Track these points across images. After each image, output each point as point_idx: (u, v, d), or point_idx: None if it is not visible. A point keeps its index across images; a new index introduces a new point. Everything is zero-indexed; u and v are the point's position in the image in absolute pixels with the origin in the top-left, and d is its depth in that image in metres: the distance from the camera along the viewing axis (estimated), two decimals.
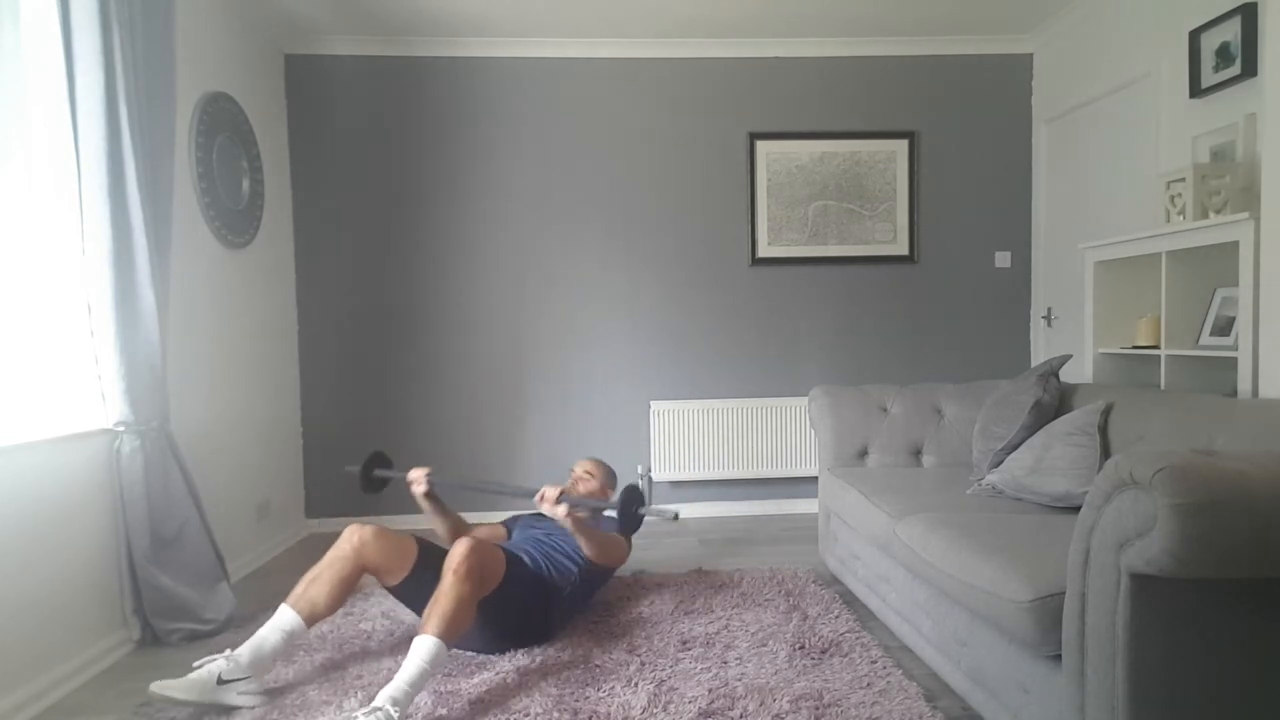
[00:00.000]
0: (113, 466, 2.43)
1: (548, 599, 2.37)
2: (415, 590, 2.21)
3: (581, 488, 2.74)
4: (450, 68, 3.98)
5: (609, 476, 2.86)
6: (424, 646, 1.88)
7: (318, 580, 2.12)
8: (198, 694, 1.93)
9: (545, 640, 2.37)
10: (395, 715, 1.75)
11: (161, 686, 1.90)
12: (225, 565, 2.76)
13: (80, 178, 2.34)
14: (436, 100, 3.98)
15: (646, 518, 2.30)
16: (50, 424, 2.33)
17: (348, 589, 2.15)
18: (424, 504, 2.56)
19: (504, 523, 2.80)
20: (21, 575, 2.07)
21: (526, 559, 2.40)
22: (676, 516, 2.25)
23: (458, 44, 3.94)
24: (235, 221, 3.33)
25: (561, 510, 2.27)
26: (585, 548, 2.42)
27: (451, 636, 1.94)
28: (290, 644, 2.09)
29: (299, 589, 2.12)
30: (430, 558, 2.25)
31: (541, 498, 2.28)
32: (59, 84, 2.31)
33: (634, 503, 2.34)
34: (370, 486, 2.60)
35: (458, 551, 2.03)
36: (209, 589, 2.61)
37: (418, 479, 2.49)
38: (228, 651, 2.01)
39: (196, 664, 1.99)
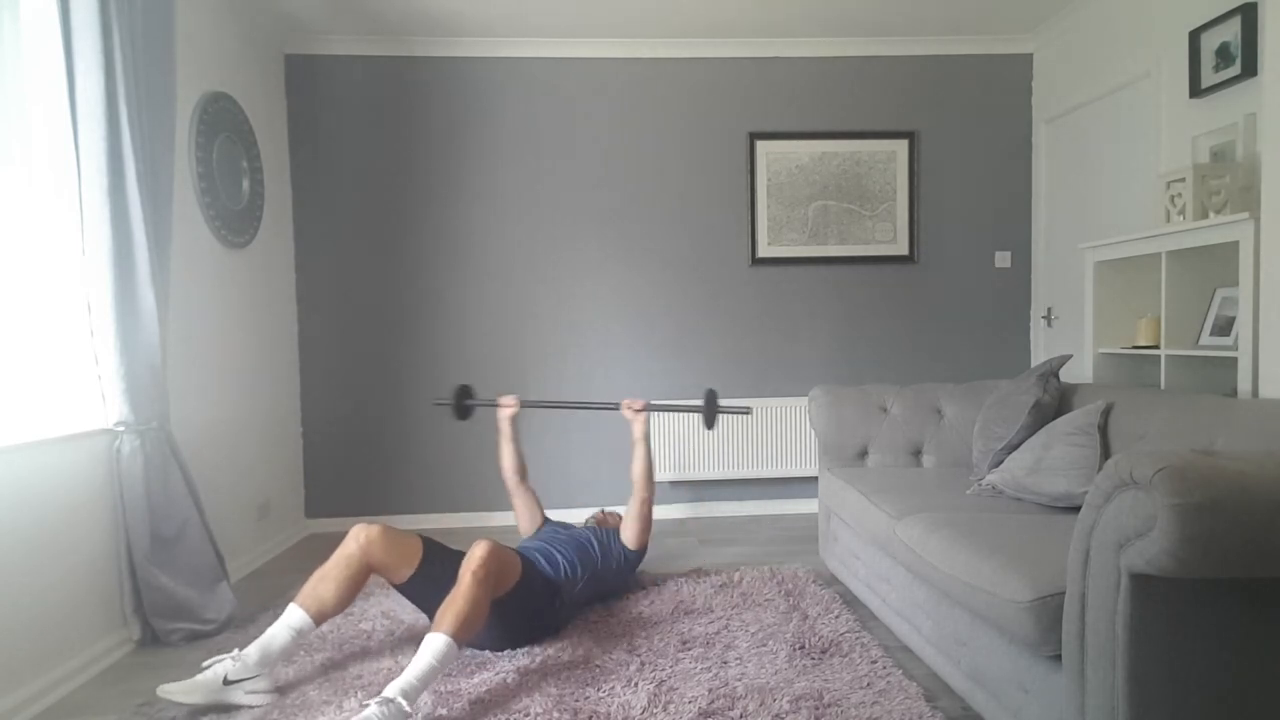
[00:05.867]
0: (113, 466, 2.43)
1: (554, 599, 2.40)
2: (422, 587, 2.24)
3: (612, 522, 3.03)
4: (450, 68, 3.98)
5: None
6: (436, 644, 1.88)
7: (325, 579, 2.14)
8: (203, 695, 1.95)
9: (547, 639, 2.39)
10: (407, 707, 1.76)
11: (167, 691, 1.92)
12: (225, 565, 2.76)
13: (80, 178, 2.34)
14: (436, 100, 3.98)
15: (721, 415, 2.97)
16: (51, 424, 2.33)
17: (356, 588, 2.18)
18: (506, 428, 2.92)
19: (545, 516, 2.99)
20: (22, 575, 2.07)
21: (539, 557, 2.46)
22: (749, 411, 2.84)
23: (457, 44, 3.95)
24: (235, 221, 3.33)
25: (643, 416, 2.85)
26: (638, 460, 2.82)
27: (464, 637, 1.95)
28: (299, 641, 2.11)
29: (307, 588, 2.14)
30: (437, 556, 2.29)
31: (628, 406, 2.87)
32: (59, 84, 2.32)
33: (713, 401, 2.86)
34: (461, 414, 2.99)
35: (476, 554, 2.05)
36: (209, 589, 2.62)
37: (510, 402, 2.93)
38: (235, 651, 2.03)
39: (205, 664, 2.01)
